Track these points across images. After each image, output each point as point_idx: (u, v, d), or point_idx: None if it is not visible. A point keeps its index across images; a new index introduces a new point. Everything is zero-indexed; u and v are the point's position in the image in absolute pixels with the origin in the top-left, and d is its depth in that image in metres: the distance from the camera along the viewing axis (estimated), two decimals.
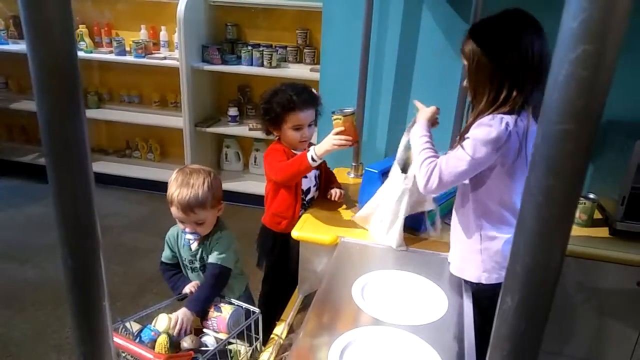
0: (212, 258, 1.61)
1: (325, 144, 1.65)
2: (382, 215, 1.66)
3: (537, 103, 1.25)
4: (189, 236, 1.64)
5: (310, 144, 1.82)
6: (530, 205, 0.37)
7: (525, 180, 0.38)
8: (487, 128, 1.26)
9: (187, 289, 1.64)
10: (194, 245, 1.67)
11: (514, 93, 1.26)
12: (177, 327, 1.47)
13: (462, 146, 1.31)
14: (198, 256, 1.67)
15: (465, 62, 1.35)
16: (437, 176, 1.32)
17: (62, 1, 0.40)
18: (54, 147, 0.44)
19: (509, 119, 1.26)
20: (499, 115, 1.26)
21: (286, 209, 1.85)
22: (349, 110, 1.69)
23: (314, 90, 1.88)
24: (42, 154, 2.95)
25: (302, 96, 1.77)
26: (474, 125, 1.30)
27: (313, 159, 1.66)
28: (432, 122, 1.53)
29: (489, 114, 1.28)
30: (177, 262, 1.73)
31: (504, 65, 1.26)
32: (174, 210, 1.59)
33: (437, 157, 1.37)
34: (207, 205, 1.57)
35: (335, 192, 1.91)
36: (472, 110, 1.37)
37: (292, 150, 1.84)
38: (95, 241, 0.49)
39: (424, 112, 1.53)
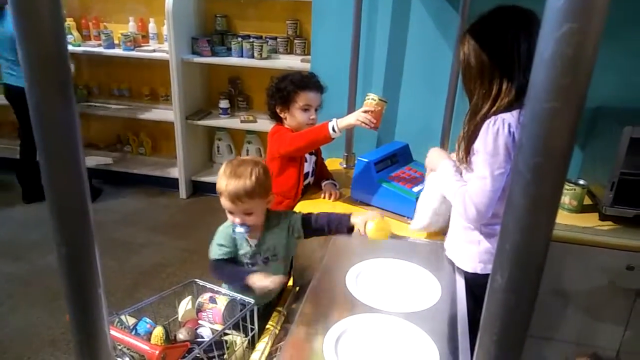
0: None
1: (350, 118, 1.72)
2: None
3: None
4: (238, 229, 1.63)
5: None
6: (518, 184, 0.37)
7: (513, 159, 0.38)
8: (491, 136, 1.26)
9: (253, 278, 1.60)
10: (254, 241, 1.64)
11: (505, 86, 1.26)
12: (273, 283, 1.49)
13: (474, 163, 1.30)
14: (261, 247, 1.65)
15: (461, 62, 1.35)
16: (471, 205, 1.30)
17: None
18: (46, 134, 0.44)
19: (509, 118, 1.25)
20: (500, 117, 1.26)
21: (289, 189, 1.88)
22: (384, 98, 1.75)
23: None
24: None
25: (313, 79, 1.88)
26: (479, 136, 1.29)
27: (334, 129, 1.72)
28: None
29: (486, 115, 1.28)
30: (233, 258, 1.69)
31: (494, 61, 1.26)
32: (223, 201, 1.58)
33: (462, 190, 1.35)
34: (255, 195, 1.56)
35: (331, 193, 1.92)
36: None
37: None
38: (88, 228, 0.49)
39: (440, 155, 1.51)
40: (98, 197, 3.64)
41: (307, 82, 1.85)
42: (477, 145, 1.29)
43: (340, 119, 1.73)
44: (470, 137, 1.32)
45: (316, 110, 1.88)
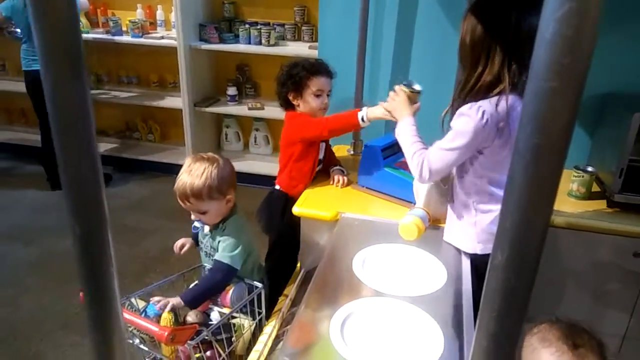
0: (218, 255, 1.58)
1: (379, 111, 1.68)
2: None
3: (525, 80, 1.27)
4: (196, 224, 1.65)
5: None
6: (518, 164, 0.38)
7: (514, 140, 0.39)
8: (465, 118, 1.31)
9: (176, 246, 1.68)
10: (207, 229, 1.66)
11: (490, 63, 1.29)
12: (161, 304, 1.47)
13: (445, 136, 1.37)
14: (209, 242, 1.68)
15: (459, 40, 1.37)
16: (427, 167, 1.39)
17: None
18: (60, 116, 0.46)
19: (487, 106, 1.29)
20: (477, 104, 1.30)
21: (306, 174, 1.91)
22: (417, 87, 1.61)
23: None
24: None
25: (324, 64, 1.89)
26: (455, 115, 1.35)
27: (363, 120, 1.73)
28: (414, 110, 1.55)
29: (470, 95, 1.32)
30: None
31: (483, 39, 1.29)
32: (177, 198, 1.57)
33: (426, 149, 1.42)
34: (203, 196, 1.51)
35: (339, 179, 1.93)
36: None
37: None
38: (101, 208, 0.51)
39: (402, 108, 1.54)
40: (108, 183, 3.68)
41: (319, 67, 1.86)
42: (453, 121, 1.36)
43: (371, 108, 1.72)
44: (454, 113, 1.37)
45: (328, 95, 1.89)
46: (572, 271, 1.87)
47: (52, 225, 3.12)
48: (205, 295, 1.56)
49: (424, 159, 1.40)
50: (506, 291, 0.41)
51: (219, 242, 1.60)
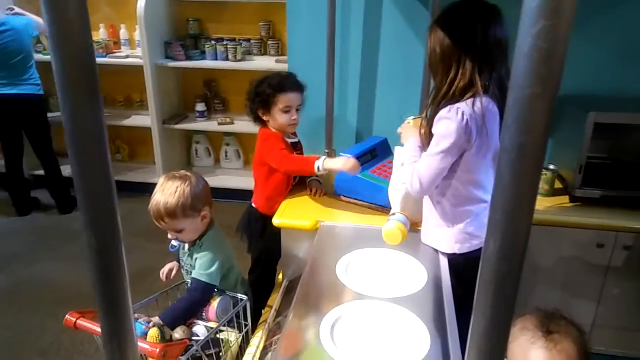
0: (195, 273, 1.58)
1: (336, 163, 1.74)
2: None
3: (495, 84, 1.36)
4: (174, 242, 1.66)
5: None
6: (506, 161, 0.43)
7: (500, 140, 0.44)
8: (446, 121, 1.37)
9: (163, 273, 1.67)
10: (187, 246, 1.67)
11: (462, 70, 1.36)
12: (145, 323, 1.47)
13: (430, 144, 1.42)
14: (188, 260, 1.69)
15: (428, 51, 1.44)
16: (417, 179, 1.43)
17: (80, 2, 0.44)
18: (77, 138, 0.48)
19: (465, 107, 1.36)
20: (455, 106, 1.36)
21: (279, 193, 1.93)
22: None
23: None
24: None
25: (291, 79, 1.90)
26: (435, 121, 1.41)
27: (318, 169, 1.74)
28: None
29: (446, 100, 1.38)
30: None
31: (454, 48, 1.36)
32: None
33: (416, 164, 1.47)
34: (178, 215, 1.52)
35: (316, 190, 1.97)
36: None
37: (285, 138, 1.91)
38: (115, 223, 0.53)
39: (409, 133, 1.60)
40: (76, 206, 3.60)
41: (285, 83, 1.86)
42: (434, 127, 1.41)
43: (328, 159, 1.76)
44: (432, 119, 1.43)
45: (297, 110, 1.91)
46: (540, 265, 1.97)
47: (21, 251, 3.04)
48: (185, 315, 1.55)
49: (414, 170, 1.45)
50: (499, 277, 0.46)
51: (196, 259, 1.61)
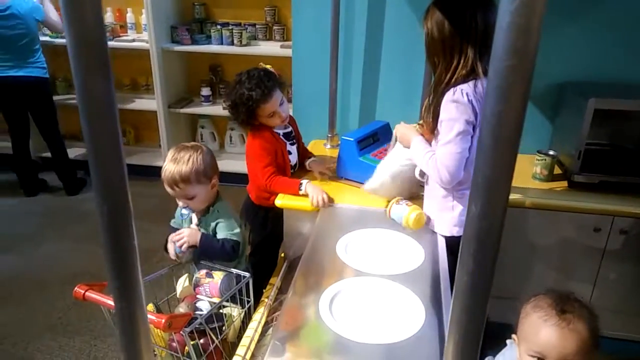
0: (224, 234, 1.65)
1: (315, 191, 1.79)
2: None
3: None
4: (183, 211, 1.71)
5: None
6: (486, 128, 0.47)
7: (482, 109, 0.48)
8: (451, 104, 1.39)
9: (170, 242, 1.70)
10: (195, 220, 1.72)
11: (463, 58, 1.38)
12: (178, 237, 1.60)
13: (440, 131, 1.43)
14: (201, 226, 1.72)
15: (425, 35, 1.46)
16: (443, 169, 1.42)
17: None
18: (89, 107, 0.52)
19: (467, 88, 1.38)
20: (458, 88, 1.39)
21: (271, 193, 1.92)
22: None
23: (267, 67, 1.90)
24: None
25: (265, 82, 1.79)
26: (441, 107, 1.42)
27: (300, 189, 1.82)
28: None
29: (448, 87, 1.40)
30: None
31: (454, 36, 1.38)
32: (165, 186, 1.64)
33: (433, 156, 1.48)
34: (192, 180, 1.60)
35: (324, 172, 1.98)
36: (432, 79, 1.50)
37: (275, 130, 1.92)
38: (123, 187, 0.57)
39: (409, 134, 1.60)
40: (83, 188, 3.66)
41: (262, 91, 1.77)
42: (441, 114, 1.42)
43: (311, 185, 1.82)
44: (436, 106, 1.45)
45: (282, 104, 1.85)
46: (538, 248, 2.01)
47: (30, 232, 3.10)
48: (214, 252, 1.64)
49: (435, 162, 1.44)
50: (481, 236, 0.50)
51: (217, 224, 1.68)
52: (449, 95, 1.40)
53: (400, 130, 1.65)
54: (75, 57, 0.50)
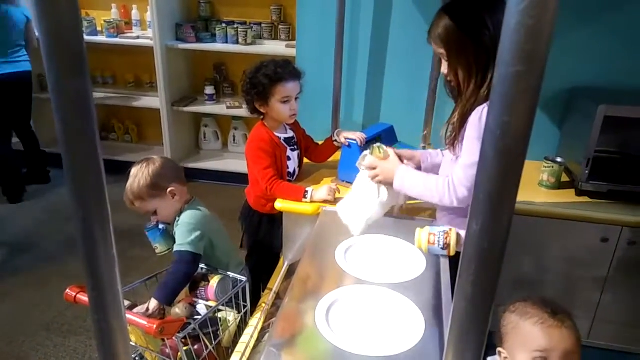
0: (176, 245, 1.60)
1: (323, 194, 1.74)
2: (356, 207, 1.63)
3: None
4: (160, 225, 1.68)
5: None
6: (489, 140, 0.43)
7: (485, 119, 0.44)
8: (477, 124, 1.33)
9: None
10: (166, 229, 1.69)
11: (488, 79, 1.31)
12: (139, 313, 1.47)
13: (464, 149, 1.37)
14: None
15: (441, 50, 1.38)
16: (461, 186, 1.36)
17: None
18: (62, 104, 0.48)
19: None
20: (481, 107, 1.33)
21: (270, 199, 1.87)
22: (383, 147, 1.58)
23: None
24: None
25: (287, 68, 1.79)
26: (469, 126, 1.35)
27: (305, 197, 1.76)
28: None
29: (474, 104, 1.34)
30: None
31: (483, 44, 1.30)
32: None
33: (443, 176, 1.42)
34: (145, 196, 1.58)
35: (358, 136, 1.88)
36: (457, 100, 1.42)
37: (276, 134, 1.86)
38: (101, 192, 0.53)
39: (388, 168, 1.51)
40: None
41: (282, 72, 1.76)
42: (468, 132, 1.36)
43: (316, 191, 1.76)
44: (461, 124, 1.38)
45: (296, 99, 1.83)
46: (544, 257, 1.96)
47: (28, 229, 3.08)
48: (176, 289, 1.56)
49: (451, 182, 1.38)
50: (481, 257, 0.46)
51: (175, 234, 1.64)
52: (473, 117, 1.34)
53: (378, 167, 1.52)
54: (48, 54, 0.47)
